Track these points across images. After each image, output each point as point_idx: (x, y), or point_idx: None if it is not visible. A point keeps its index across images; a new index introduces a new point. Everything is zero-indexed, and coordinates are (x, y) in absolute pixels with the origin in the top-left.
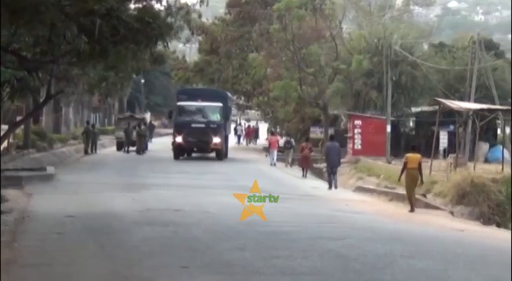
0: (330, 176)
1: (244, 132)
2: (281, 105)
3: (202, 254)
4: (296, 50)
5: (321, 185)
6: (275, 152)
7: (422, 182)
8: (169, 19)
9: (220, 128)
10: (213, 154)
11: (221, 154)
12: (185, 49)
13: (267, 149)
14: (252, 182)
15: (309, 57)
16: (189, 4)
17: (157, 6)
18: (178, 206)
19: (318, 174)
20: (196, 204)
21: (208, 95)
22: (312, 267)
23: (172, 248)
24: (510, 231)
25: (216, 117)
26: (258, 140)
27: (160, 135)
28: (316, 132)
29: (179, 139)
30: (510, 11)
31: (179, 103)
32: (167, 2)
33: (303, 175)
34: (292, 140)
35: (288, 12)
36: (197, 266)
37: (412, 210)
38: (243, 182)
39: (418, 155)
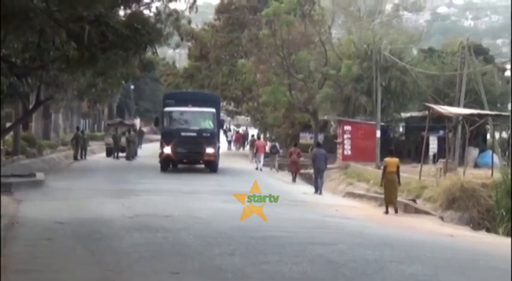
0: (317, 181)
1: (233, 138)
2: (270, 110)
3: (192, 259)
4: (285, 56)
5: (310, 190)
6: (262, 157)
7: (399, 183)
8: (158, 25)
9: (214, 137)
10: (202, 165)
11: (214, 166)
12: (175, 55)
13: (253, 154)
14: (242, 187)
15: (299, 63)
16: (179, 10)
17: (146, 12)
18: (168, 211)
19: (308, 179)
20: (186, 209)
21: (199, 100)
22: (302, 272)
23: (162, 254)
24: (509, 237)
25: (208, 124)
26: (246, 146)
27: (150, 141)
28: (306, 138)
29: (167, 150)
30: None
31: (166, 109)
32: (156, 8)
33: (292, 180)
34: (278, 145)
35: (277, 17)
36: (187, 272)
37: (387, 212)
38: (233, 188)
39: (396, 159)
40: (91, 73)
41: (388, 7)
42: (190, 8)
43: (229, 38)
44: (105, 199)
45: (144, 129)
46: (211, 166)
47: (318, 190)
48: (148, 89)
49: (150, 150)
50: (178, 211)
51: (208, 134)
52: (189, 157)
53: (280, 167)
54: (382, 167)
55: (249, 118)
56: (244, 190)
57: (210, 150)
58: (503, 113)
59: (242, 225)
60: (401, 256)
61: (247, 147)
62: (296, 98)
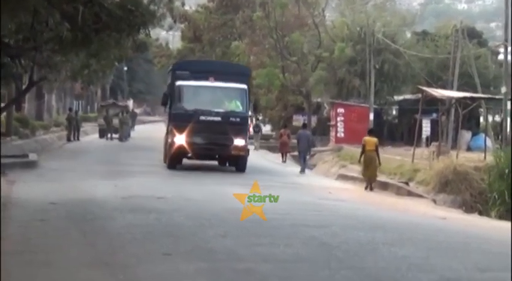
0: (302, 161)
1: None
2: (264, 93)
3: (184, 241)
4: (279, 38)
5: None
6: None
7: (380, 163)
8: (152, 7)
9: (245, 124)
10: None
11: (243, 163)
12: (168, 36)
13: None
14: (233, 169)
15: (292, 45)
16: None
17: None
18: (161, 193)
19: (297, 160)
20: (179, 191)
21: (223, 72)
22: (295, 254)
23: (155, 235)
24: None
25: (237, 106)
26: None
27: (143, 122)
28: (299, 120)
29: (180, 140)
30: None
31: (179, 83)
32: None
33: (282, 161)
34: (261, 124)
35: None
36: (180, 253)
37: (368, 188)
38: (225, 169)
39: (374, 139)
40: (84, 54)
41: None
42: None
43: (223, 20)
44: (98, 180)
45: (137, 110)
46: (239, 164)
47: (303, 170)
48: (141, 70)
49: (143, 132)
50: (171, 193)
51: (238, 120)
52: (210, 150)
53: (271, 149)
54: (361, 146)
55: None
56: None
57: (239, 141)
58: (496, 97)
59: (235, 207)
60: (394, 238)
61: None
62: (289, 81)
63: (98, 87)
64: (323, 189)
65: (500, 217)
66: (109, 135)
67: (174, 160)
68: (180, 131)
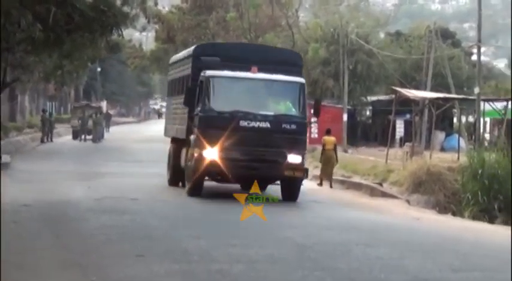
0: None
1: None
2: None
3: (158, 242)
4: (253, 39)
5: None
6: None
7: (337, 161)
8: (125, 7)
9: (302, 133)
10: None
11: (297, 189)
12: (142, 37)
13: None
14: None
15: None
16: None
17: None
18: (135, 194)
19: None
20: (153, 192)
21: (267, 59)
22: (268, 255)
23: (129, 236)
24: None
25: (291, 107)
26: None
27: (117, 124)
28: None
29: (211, 154)
30: (468, 0)
31: (209, 73)
32: None
33: None
34: None
35: (244, 0)
36: (153, 255)
37: (321, 184)
38: None
39: (333, 138)
40: (57, 55)
41: None
42: None
43: (197, 20)
44: (72, 182)
45: (111, 111)
46: (292, 189)
47: None
48: (114, 71)
49: (118, 133)
50: (144, 194)
51: (293, 127)
52: (254, 169)
53: None
54: (322, 145)
55: None
56: None
57: (294, 158)
58: (469, 97)
59: (208, 208)
60: (368, 238)
61: None
62: None
63: (71, 88)
64: None
65: (474, 218)
66: (83, 136)
67: (199, 183)
68: (212, 142)
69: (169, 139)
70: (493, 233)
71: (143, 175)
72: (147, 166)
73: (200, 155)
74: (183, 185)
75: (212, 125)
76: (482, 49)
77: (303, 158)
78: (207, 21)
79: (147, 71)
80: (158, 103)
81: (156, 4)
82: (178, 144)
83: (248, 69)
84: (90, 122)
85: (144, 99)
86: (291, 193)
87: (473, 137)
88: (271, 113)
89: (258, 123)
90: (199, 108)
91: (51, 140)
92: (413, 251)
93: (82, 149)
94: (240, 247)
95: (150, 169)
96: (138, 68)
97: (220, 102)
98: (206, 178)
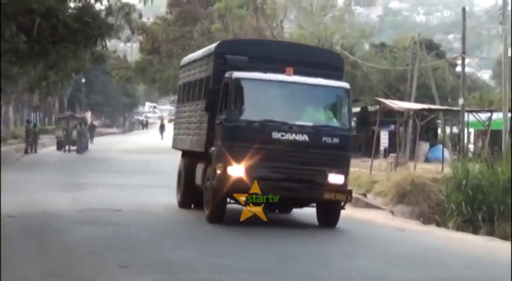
0: None
1: None
2: None
3: (141, 253)
4: None
5: None
6: None
7: None
8: (109, 19)
9: (347, 148)
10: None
11: (337, 213)
12: (126, 48)
13: None
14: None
15: None
16: (130, 4)
17: (97, 5)
18: (119, 205)
19: None
20: (137, 203)
21: (303, 61)
22: (250, 265)
23: (112, 247)
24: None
25: (333, 117)
26: None
27: (102, 135)
28: None
29: (238, 171)
30: (452, 12)
31: (237, 75)
32: (108, 1)
33: None
34: None
35: (229, 11)
36: (136, 266)
37: None
38: None
39: None
40: (42, 66)
41: (340, 1)
42: (145, 1)
43: (181, 31)
44: (56, 193)
45: (96, 122)
46: (330, 213)
47: None
48: (99, 82)
49: (102, 144)
50: (128, 205)
51: (336, 140)
52: (289, 191)
53: None
54: None
55: None
56: None
57: (337, 177)
58: (453, 108)
59: (190, 218)
60: (351, 249)
61: None
62: None
63: (55, 99)
64: None
65: (458, 228)
66: (67, 147)
67: (221, 206)
68: (238, 157)
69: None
70: (476, 244)
71: (128, 186)
72: (131, 177)
73: (224, 172)
74: (197, 207)
75: (239, 136)
76: (467, 60)
77: (346, 178)
78: (191, 33)
79: (132, 81)
80: (143, 114)
81: (140, 16)
82: (193, 158)
83: (281, 71)
84: (74, 133)
85: (128, 110)
86: (328, 217)
87: (457, 148)
88: (310, 124)
89: (293, 135)
90: (223, 116)
91: (35, 151)
92: (398, 262)
93: (66, 160)
94: (221, 257)
95: (135, 180)
96: (122, 79)
97: (249, 109)
98: (229, 200)
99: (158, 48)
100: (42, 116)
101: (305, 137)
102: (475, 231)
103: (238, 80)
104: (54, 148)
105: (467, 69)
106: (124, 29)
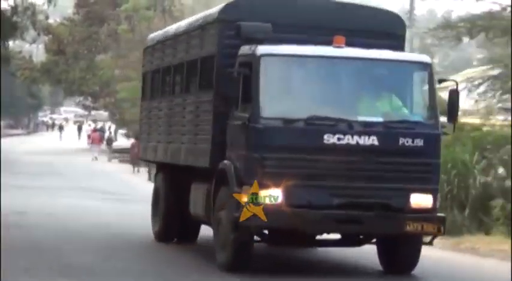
0: (150, 169)
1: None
2: (128, 106)
3: (44, 256)
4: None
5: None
6: (97, 147)
7: None
8: (14, 19)
9: (435, 152)
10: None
11: (416, 249)
12: (32, 49)
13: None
14: (95, 182)
15: None
16: (36, 4)
17: (3, 5)
18: (22, 208)
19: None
20: (40, 206)
21: (350, 26)
22: (153, 268)
23: (15, 250)
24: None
25: (411, 108)
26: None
27: (5, 136)
28: None
29: (274, 196)
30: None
31: (262, 50)
32: (14, 1)
33: (133, 171)
34: (113, 137)
35: (136, 13)
36: (39, 269)
37: None
38: (87, 183)
39: None
40: None
41: None
42: (49, 2)
43: (88, 32)
44: None
45: None
46: (406, 252)
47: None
48: (3, 82)
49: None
50: (31, 208)
51: (420, 143)
52: (351, 222)
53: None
54: None
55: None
56: (96, 184)
57: (423, 198)
58: None
59: (95, 222)
60: None
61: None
62: None
63: None
64: None
65: None
66: None
67: (247, 247)
68: (273, 176)
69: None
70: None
71: (32, 187)
72: (35, 179)
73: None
74: (184, 241)
75: (274, 143)
76: None
77: (435, 199)
78: (98, 34)
79: (37, 82)
80: (48, 115)
81: (47, 18)
82: (183, 175)
83: (324, 42)
84: None
85: (33, 111)
86: (400, 257)
87: None
88: (379, 120)
89: (356, 138)
90: (245, 114)
91: None
92: None
93: None
94: (123, 261)
95: (38, 181)
96: (28, 80)
97: (286, 101)
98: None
99: (64, 49)
100: None
101: (373, 140)
102: None
103: (266, 59)
104: None
105: None
106: (29, 29)
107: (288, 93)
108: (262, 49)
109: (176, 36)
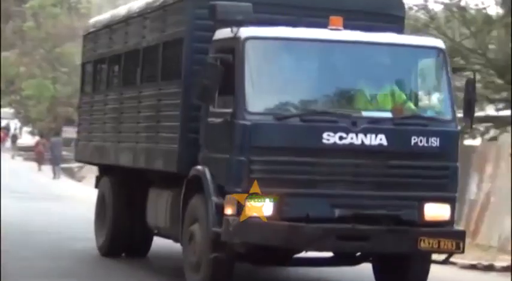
0: (54, 167)
1: None
2: (34, 104)
3: None
4: (50, 49)
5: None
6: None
7: None
8: None
9: (452, 154)
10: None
11: (424, 268)
12: None
13: None
14: (18, 183)
15: (64, 57)
16: None
17: None
18: None
19: (68, 172)
20: None
21: (343, 5)
22: (57, 268)
23: None
24: None
25: (424, 101)
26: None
27: None
28: (70, 132)
29: (263, 207)
30: None
31: (246, 33)
32: None
33: (38, 169)
34: (18, 135)
35: (43, 10)
36: None
37: None
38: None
39: None
40: None
41: None
42: None
43: None
44: None
45: None
46: (416, 273)
47: (55, 175)
48: None
49: None
50: None
51: (435, 143)
52: (355, 239)
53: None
54: None
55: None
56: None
57: (439, 208)
58: None
59: (13, 221)
60: None
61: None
62: (60, 92)
63: None
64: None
65: None
66: None
67: (228, 266)
68: (263, 183)
69: None
70: None
71: None
72: None
73: (237, 210)
74: (132, 255)
75: (264, 143)
76: None
77: (453, 210)
78: (3, 31)
79: None
80: None
81: None
82: (137, 180)
83: (315, 25)
84: None
85: None
86: (404, 279)
87: None
88: (387, 115)
89: (360, 137)
90: (228, 109)
91: None
92: None
93: None
94: (31, 260)
95: None
96: None
97: (276, 94)
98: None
99: None
100: None
101: (381, 139)
102: None
103: (252, 42)
104: None
105: None
106: None
107: (280, 84)
108: (246, 31)
109: (128, 19)
